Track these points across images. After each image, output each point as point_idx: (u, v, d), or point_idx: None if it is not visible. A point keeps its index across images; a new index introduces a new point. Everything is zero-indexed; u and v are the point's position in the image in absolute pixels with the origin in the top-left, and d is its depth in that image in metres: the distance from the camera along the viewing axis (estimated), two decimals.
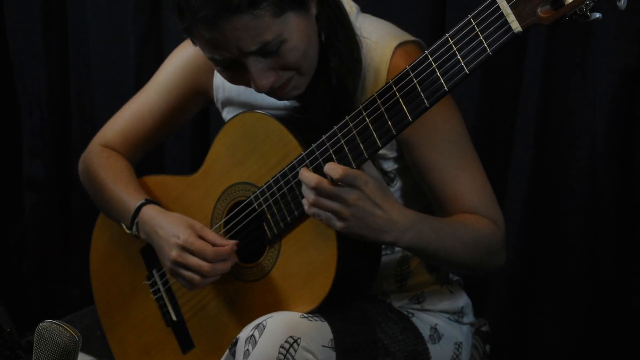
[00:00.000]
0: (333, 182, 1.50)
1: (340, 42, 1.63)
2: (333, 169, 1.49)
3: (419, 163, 1.68)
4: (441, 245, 1.60)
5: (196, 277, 1.69)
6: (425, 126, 1.61)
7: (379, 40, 1.66)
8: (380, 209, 1.51)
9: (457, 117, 1.69)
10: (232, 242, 1.70)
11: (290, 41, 1.54)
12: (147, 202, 1.81)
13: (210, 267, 1.68)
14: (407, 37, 1.69)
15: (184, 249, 1.69)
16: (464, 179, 1.67)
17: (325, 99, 1.64)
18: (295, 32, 1.54)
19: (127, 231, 1.83)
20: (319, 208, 1.52)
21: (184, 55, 1.88)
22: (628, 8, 1.33)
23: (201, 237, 1.70)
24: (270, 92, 1.61)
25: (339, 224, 1.52)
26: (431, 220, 1.60)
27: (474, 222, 1.65)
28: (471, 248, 1.64)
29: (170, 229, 1.72)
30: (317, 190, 1.51)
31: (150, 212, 1.79)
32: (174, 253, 1.70)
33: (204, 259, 1.68)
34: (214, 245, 1.69)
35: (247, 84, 1.60)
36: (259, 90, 1.57)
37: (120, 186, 1.87)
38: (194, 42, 1.61)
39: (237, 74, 1.60)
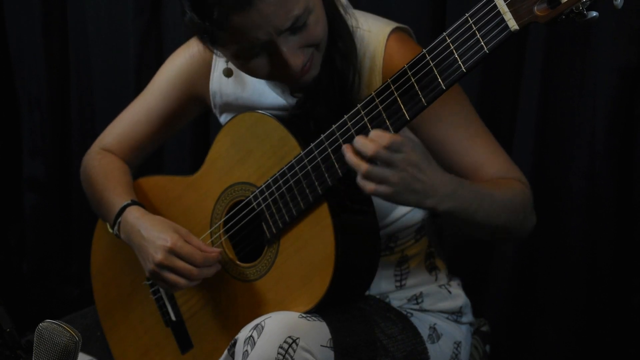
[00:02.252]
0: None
1: (339, 25, 1.65)
2: (381, 136, 1.47)
3: (430, 141, 1.66)
4: (480, 207, 1.58)
5: (181, 281, 1.70)
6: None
7: (371, 28, 1.67)
8: (425, 175, 1.50)
9: (461, 93, 1.68)
10: (218, 250, 1.72)
11: (314, 12, 1.55)
12: (133, 203, 1.82)
13: (199, 271, 1.69)
14: (397, 24, 1.70)
15: (172, 252, 1.70)
16: (478, 148, 1.66)
17: (330, 85, 1.65)
18: (316, 4, 1.56)
19: (110, 230, 1.84)
20: (369, 177, 1.50)
21: (180, 62, 1.89)
22: (627, 8, 1.33)
23: (188, 241, 1.72)
24: (297, 74, 1.60)
25: (386, 190, 1.50)
26: (469, 185, 1.59)
27: (506, 183, 1.64)
28: (509, 208, 1.62)
29: (156, 231, 1.73)
30: (375, 157, 1.48)
31: (134, 213, 1.79)
32: (159, 256, 1.70)
33: (193, 263, 1.69)
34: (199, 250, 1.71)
35: (269, 71, 1.60)
36: (293, 69, 1.57)
37: (110, 186, 1.88)
38: (215, 40, 1.59)
39: (261, 62, 1.59)
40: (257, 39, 1.54)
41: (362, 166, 1.49)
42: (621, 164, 2.13)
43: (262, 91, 1.78)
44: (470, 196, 1.56)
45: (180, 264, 1.69)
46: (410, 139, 1.50)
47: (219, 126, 1.82)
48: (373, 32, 1.67)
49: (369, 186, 1.50)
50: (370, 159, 1.48)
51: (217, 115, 1.89)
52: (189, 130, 2.62)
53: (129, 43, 2.69)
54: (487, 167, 1.66)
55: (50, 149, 2.93)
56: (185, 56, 1.88)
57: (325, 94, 1.65)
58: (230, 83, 1.82)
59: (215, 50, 1.65)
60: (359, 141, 1.49)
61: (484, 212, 1.59)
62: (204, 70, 1.85)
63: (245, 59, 1.60)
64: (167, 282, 1.72)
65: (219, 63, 1.83)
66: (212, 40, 1.59)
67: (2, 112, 2.97)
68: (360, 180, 1.51)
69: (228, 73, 1.75)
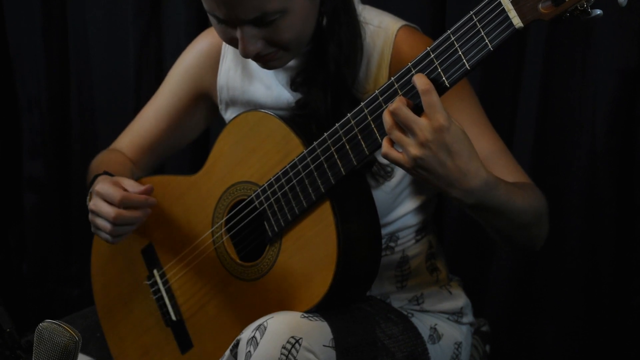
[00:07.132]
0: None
1: (342, 29, 1.64)
2: (425, 82, 1.38)
3: None
4: (506, 212, 1.48)
5: (107, 225, 1.69)
6: None
7: (380, 24, 1.68)
8: (453, 161, 1.38)
9: (471, 91, 1.67)
10: (147, 186, 1.71)
11: (289, 18, 1.54)
12: (105, 173, 1.81)
13: (117, 212, 1.68)
14: (407, 22, 1.71)
15: (98, 194, 1.70)
16: (487, 139, 1.58)
17: (325, 88, 1.64)
18: (298, 11, 1.54)
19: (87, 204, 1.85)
20: (390, 136, 1.41)
21: (188, 58, 1.91)
22: (628, 7, 1.33)
23: (116, 184, 1.71)
24: (256, 58, 1.62)
25: (400, 159, 1.41)
26: (505, 186, 1.47)
27: (528, 187, 1.57)
28: (531, 214, 1.54)
29: (97, 184, 1.73)
30: (393, 114, 1.40)
31: (98, 180, 1.78)
32: (90, 202, 1.71)
33: (112, 202, 1.68)
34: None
35: (234, 44, 1.61)
36: (244, 55, 1.58)
37: (98, 170, 1.87)
38: None
39: (223, 30, 1.60)
40: (216, 16, 1.55)
41: (388, 122, 1.41)
42: (621, 164, 2.14)
43: (268, 84, 1.79)
44: (502, 199, 1.46)
45: (103, 205, 1.68)
46: (450, 118, 1.38)
47: (218, 127, 1.82)
48: (382, 28, 1.68)
49: (386, 149, 1.42)
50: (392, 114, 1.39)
51: (223, 112, 1.89)
52: None
53: (129, 43, 2.69)
54: (491, 163, 1.57)
55: (50, 149, 2.93)
56: (193, 52, 1.90)
57: (322, 94, 1.65)
58: (237, 77, 1.83)
59: None
60: (398, 98, 1.42)
61: (509, 216, 1.50)
62: (212, 65, 1.87)
63: (213, 17, 1.60)
64: (98, 227, 1.72)
65: (227, 56, 1.85)
66: None
67: (2, 112, 2.97)
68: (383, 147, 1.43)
69: None
